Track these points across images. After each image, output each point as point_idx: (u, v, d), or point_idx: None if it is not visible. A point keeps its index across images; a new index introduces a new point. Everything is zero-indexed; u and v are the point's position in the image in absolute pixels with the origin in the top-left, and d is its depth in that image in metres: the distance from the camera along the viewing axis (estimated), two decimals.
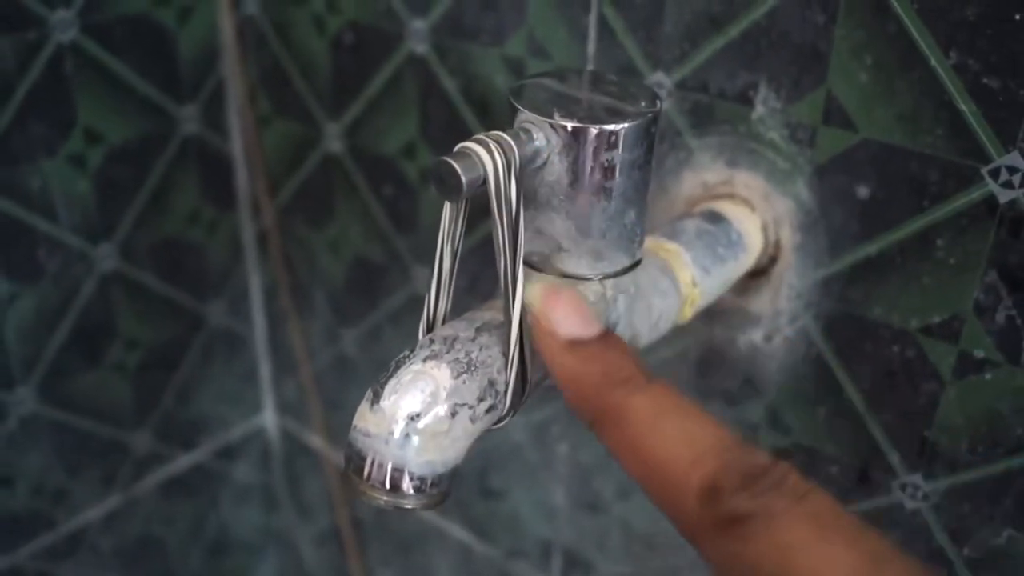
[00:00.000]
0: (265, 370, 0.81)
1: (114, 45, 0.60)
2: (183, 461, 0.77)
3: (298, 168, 0.67)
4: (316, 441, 0.80)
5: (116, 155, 0.62)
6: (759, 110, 0.43)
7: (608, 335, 0.29)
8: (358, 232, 0.66)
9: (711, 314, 0.48)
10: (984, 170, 0.38)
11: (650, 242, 0.39)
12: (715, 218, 0.43)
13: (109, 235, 0.64)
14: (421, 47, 0.55)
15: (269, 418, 0.83)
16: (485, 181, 0.28)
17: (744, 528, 0.24)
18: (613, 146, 0.30)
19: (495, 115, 0.53)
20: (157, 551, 0.79)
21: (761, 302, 0.46)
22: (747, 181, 0.44)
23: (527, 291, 0.30)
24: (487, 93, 0.53)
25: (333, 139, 0.63)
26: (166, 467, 0.76)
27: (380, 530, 0.79)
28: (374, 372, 0.71)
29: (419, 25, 0.54)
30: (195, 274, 0.72)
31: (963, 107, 0.37)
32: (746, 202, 0.44)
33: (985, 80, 0.37)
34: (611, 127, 0.29)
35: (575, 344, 0.28)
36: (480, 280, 0.57)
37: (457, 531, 0.71)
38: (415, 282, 0.64)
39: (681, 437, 0.27)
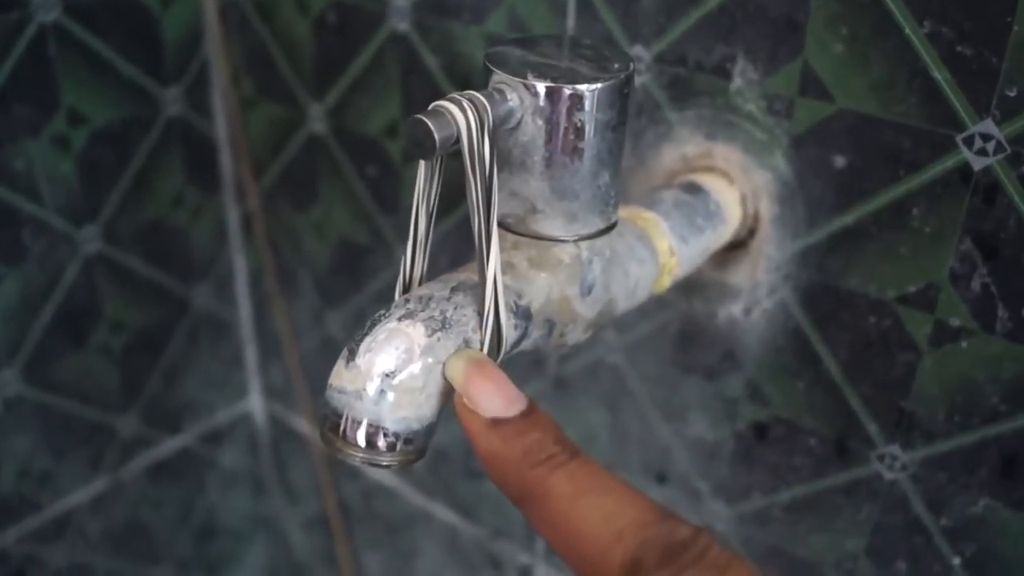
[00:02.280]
0: (251, 354, 0.81)
1: (97, 26, 0.59)
2: (169, 445, 0.77)
3: (282, 150, 0.67)
4: (303, 425, 0.80)
5: (100, 137, 0.62)
6: (737, 82, 0.43)
7: (532, 412, 0.29)
8: (342, 213, 0.66)
9: (690, 288, 0.48)
10: (958, 138, 0.38)
11: (627, 211, 0.40)
12: (693, 189, 0.43)
13: (93, 217, 0.64)
14: (403, 25, 0.55)
15: (255, 402, 0.83)
16: (458, 139, 0.28)
17: None
18: (586, 106, 0.30)
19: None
20: (144, 535, 0.79)
21: (740, 275, 0.47)
22: (725, 153, 0.45)
23: (449, 366, 0.29)
24: (469, 71, 0.53)
25: (317, 120, 0.63)
26: (152, 451, 0.76)
27: (367, 514, 0.79)
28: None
29: (401, 3, 0.54)
30: (180, 257, 0.72)
31: (937, 75, 0.38)
32: (725, 174, 0.45)
33: (959, 48, 0.37)
34: (584, 87, 0.30)
35: (497, 423, 0.29)
36: (462, 260, 0.57)
37: (443, 512, 0.72)
38: (399, 263, 0.64)
39: (601, 515, 0.27)
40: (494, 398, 0.29)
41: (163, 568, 0.82)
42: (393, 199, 0.62)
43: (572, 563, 0.27)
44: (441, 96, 0.54)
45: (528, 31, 0.49)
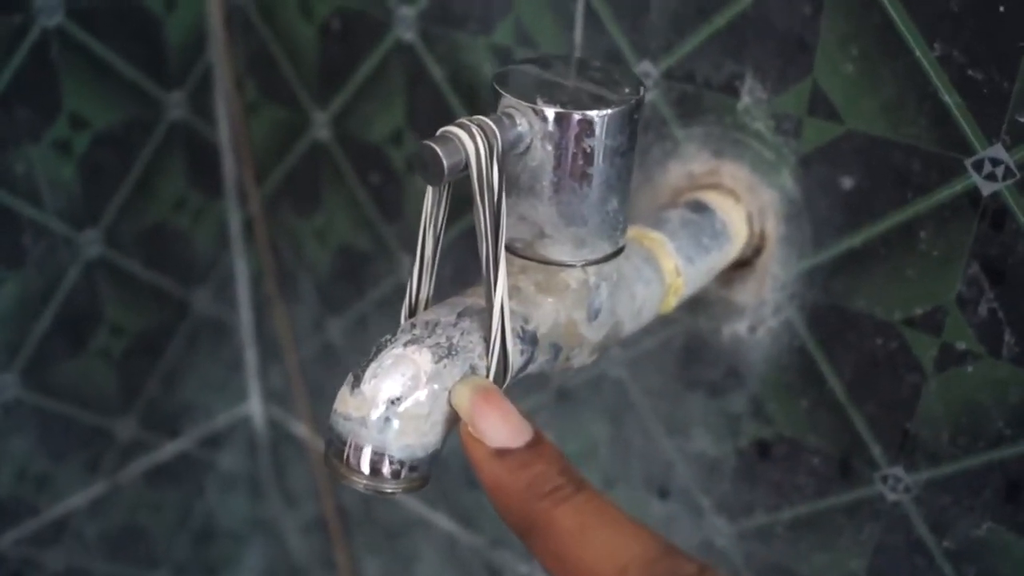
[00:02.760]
0: (251, 358, 0.81)
1: (100, 30, 0.59)
2: (168, 449, 0.77)
3: (285, 155, 0.67)
4: (302, 430, 0.80)
5: (102, 141, 0.62)
6: (745, 100, 0.43)
7: (538, 442, 0.29)
8: (345, 220, 0.65)
9: (695, 305, 0.48)
10: (968, 162, 0.38)
11: (634, 231, 0.39)
12: (700, 208, 0.43)
13: (94, 221, 0.64)
14: (409, 34, 0.54)
15: (255, 406, 0.83)
16: (467, 166, 0.28)
17: None
18: (596, 132, 0.30)
19: (482, 103, 0.53)
20: (142, 539, 0.79)
21: (745, 293, 0.46)
22: (732, 171, 0.44)
23: (456, 394, 0.29)
24: (474, 81, 0.53)
25: (320, 127, 0.63)
26: (151, 455, 0.76)
27: (366, 519, 0.79)
28: (360, 360, 0.71)
29: (407, 12, 0.54)
30: (181, 261, 0.71)
31: (947, 99, 0.37)
32: (731, 192, 0.44)
33: (969, 72, 0.37)
34: (594, 113, 0.29)
35: (503, 453, 0.28)
36: (465, 271, 0.57)
37: (443, 520, 0.72)
38: (402, 270, 0.64)
39: (606, 549, 0.26)
40: (500, 428, 0.28)
41: (161, 572, 0.82)
42: (396, 207, 0.61)
43: None
44: (445, 106, 0.55)
45: (535, 43, 0.49)
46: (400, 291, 0.64)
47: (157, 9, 0.62)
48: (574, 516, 0.27)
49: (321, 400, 0.77)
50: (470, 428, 0.29)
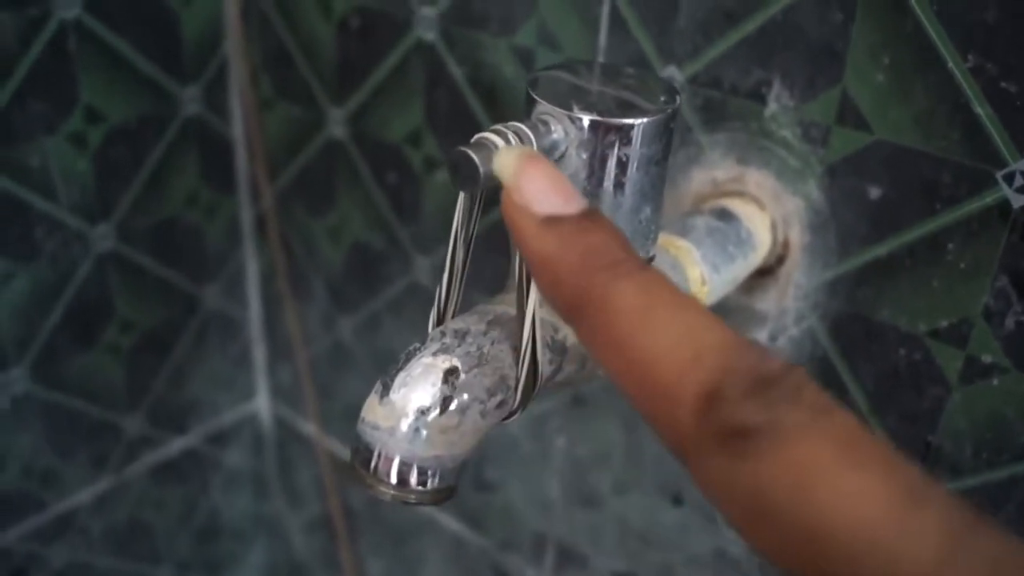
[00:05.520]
0: (260, 355, 0.80)
1: (117, 24, 0.59)
2: (175, 445, 0.77)
3: (299, 152, 0.67)
4: (309, 428, 0.80)
5: (116, 134, 0.62)
6: (772, 107, 0.43)
7: (593, 212, 0.25)
8: (359, 219, 0.65)
9: (717, 312, 0.47)
10: (999, 174, 0.37)
11: (661, 238, 0.39)
12: (725, 216, 0.42)
13: (107, 215, 0.63)
14: (430, 34, 0.54)
15: (262, 404, 0.83)
16: None
17: (749, 444, 0.20)
18: (631, 141, 0.29)
19: (503, 104, 0.53)
20: (146, 535, 0.79)
21: (768, 301, 0.46)
22: (757, 179, 0.44)
23: (497, 159, 0.25)
24: (495, 82, 0.52)
25: (337, 124, 0.63)
26: (157, 451, 0.76)
27: (372, 519, 0.79)
28: (371, 361, 0.71)
29: (428, 12, 0.53)
30: (192, 256, 0.71)
31: (979, 110, 0.37)
32: (756, 200, 0.44)
33: (1003, 84, 0.36)
34: (630, 121, 0.29)
35: (553, 221, 0.24)
36: (484, 267, 0.56)
37: (450, 522, 0.71)
38: (416, 271, 0.63)
39: (677, 332, 0.22)
40: (549, 192, 0.24)
41: (164, 568, 0.81)
42: (412, 208, 0.61)
43: (633, 391, 0.23)
44: (465, 107, 0.54)
45: (558, 45, 0.49)
46: (414, 292, 0.64)
47: (174, 3, 0.61)
48: (640, 293, 0.23)
49: (329, 399, 0.77)
50: (514, 195, 0.25)
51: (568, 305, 0.24)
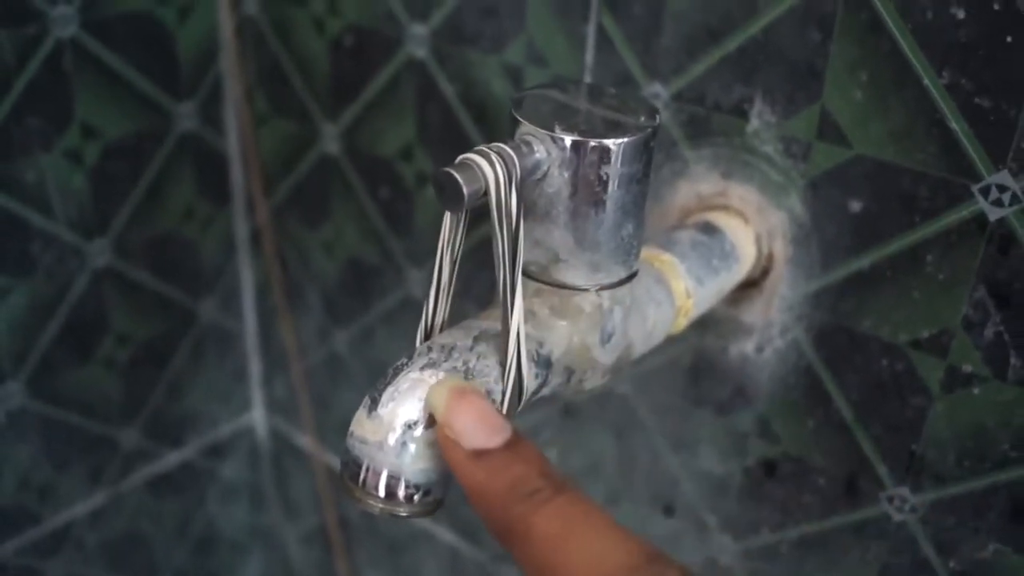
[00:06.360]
0: (255, 368, 0.81)
1: (114, 42, 0.60)
2: (171, 458, 0.77)
3: (294, 168, 0.68)
4: (305, 441, 0.80)
5: (113, 150, 0.62)
6: (754, 123, 0.44)
7: (517, 441, 0.28)
8: (353, 233, 0.66)
9: (703, 324, 0.48)
10: (975, 188, 0.38)
11: (645, 252, 0.40)
12: (709, 229, 0.43)
13: (103, 230, 0.64)
14: (421, 51, 0.55)
15: (258, 417, 0.83)
16: (486, 192, 0.28)
17: None
18: (612, 160, 0.30)
19: (493, 120, 0.54)
20: (143, 548, 0.79)
21: (753, 313, 0.47)
22: (741, 193, 0.45)
23: (431, 395, 0.28)
24: (485, 99, 0.53)
25: (330, 140, 0.63)
26: (154, 464, 0.76)
27: (368, 531, 0.79)
28: (366, 373, 0.72)
29: (419, 30, 0.54)
30: (188, 270, 0.72)
31: (955, 126, 0.38)
32: (740, 214, 0.45)
33: (977, 100, 0.37)
34: (611, 141, 0.30)
35: (481, 455, 0.27)
36: (474, 284, 0.57)
37: (445, 534, 0.72)
38: (409, 284, 0.64)
39: (587, 557, 0.25)
40: (476, 428, 0.27)
41: None
42: (406, 221, 0.62)
43: None
44: (456, 122, 0.55)
45: (546, 63, 0.50)
46: (407, 305, 0.65)
47: (169, 21, 0.62)
48: (554, 521, 0.26)
49: (325, 412, 0.77)
50: (445, 430, 0.28)
51: (497, 533, 0.27)
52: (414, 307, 0.64)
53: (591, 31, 0.47)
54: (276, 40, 0.63)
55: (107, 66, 0.60)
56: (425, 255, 0.62)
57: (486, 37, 0.52)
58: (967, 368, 0.41)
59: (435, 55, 0.54)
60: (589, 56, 0.48)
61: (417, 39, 0.55)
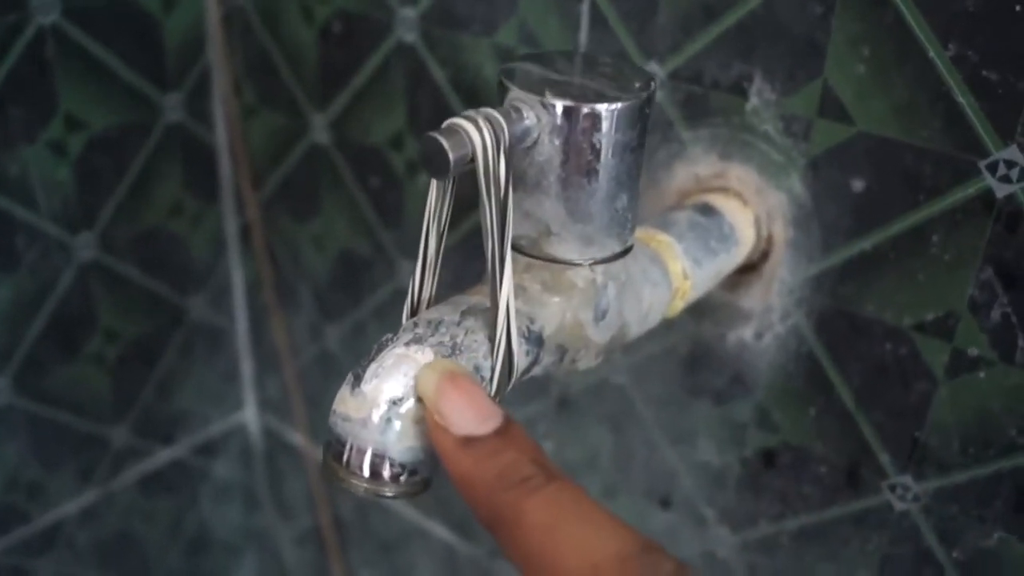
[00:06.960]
0: (247, 366, 0.80)
1: (97, 30, 0.58)
2: (162, 457, 0.76)
3: (283, 159, 0.66)
4: (298, 439, 0.79)
5: (98, 142, 0.61)
6: (753, 102, 0.42)
7: (508, 428, 0.27)
8: (343, 225, 0.65)
9: (700, 310, 0.47)
10: (982, 164, 0.37)
11: (641, 232, 0.39)
12: (707, 211, 0.42)
13: (89, 224, 0.63)
14: (410, 36, 0.54)
15: (250, 415, 0.82)
16: (473, 159, 0.27)
17: None
18: (605, 127, 0.29)
19: (485, 104, 0.52)
20: (135, 548, 0.78)
21: (752, 298, 0.46)
22: (740, 174, 0.44)
23: (420, 379, 0.28)
24: (477, 83, 0.52)
25: (320, 130, 0.62)
26: (144, 462, 0.75)
27: (362, 530, 0.78)
28: (361, 361, 0.70)
29: (408, 13, 0.53)
30: (176, 266, 0.71)
31: (961, 100, 0.37)
32: (738, 195, 0.44)
33: (984, 72, 0.36)
34: (603, 107, 0.28)
35: (470, 441, 0.26)
36: (464, 276, 0.56)
37: (440, 531, 0.71)
38: (401, 276, 0.63)
39: (577, 546, 0.24)
40: (466, 414, 0.27)
41: None
42: (397, 212, 0.61)
43: None
44: (447, 108, 0.54)
45: (539, 44, 0.48)
46: (399, 297, 0.64)
47: (155, 9, 0.61)
48: (544, 509, 0.25)
49: (318, 409, 0.76)
50: (435, 415, 0.27)
51: (486, 521, 0.26)
52: (405, 300, 0.63)
53: (585, 10, 0.46)
54: (263, 29, 0.62)
55: (91, 55, 0.59)
56: (416, 246, 0.61)
57: (477, 19, 0.50)
58: (973, 351, 0.40)
59: (425, 39, 0.53)
60: (583, 36, 0.47)
61: (407, 23, 0.54)
